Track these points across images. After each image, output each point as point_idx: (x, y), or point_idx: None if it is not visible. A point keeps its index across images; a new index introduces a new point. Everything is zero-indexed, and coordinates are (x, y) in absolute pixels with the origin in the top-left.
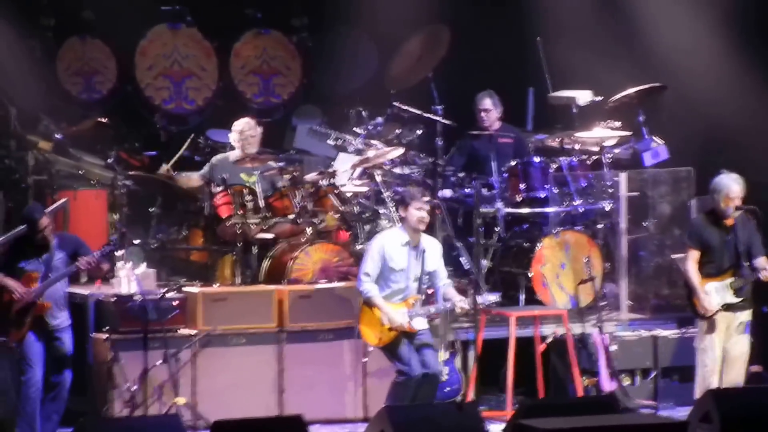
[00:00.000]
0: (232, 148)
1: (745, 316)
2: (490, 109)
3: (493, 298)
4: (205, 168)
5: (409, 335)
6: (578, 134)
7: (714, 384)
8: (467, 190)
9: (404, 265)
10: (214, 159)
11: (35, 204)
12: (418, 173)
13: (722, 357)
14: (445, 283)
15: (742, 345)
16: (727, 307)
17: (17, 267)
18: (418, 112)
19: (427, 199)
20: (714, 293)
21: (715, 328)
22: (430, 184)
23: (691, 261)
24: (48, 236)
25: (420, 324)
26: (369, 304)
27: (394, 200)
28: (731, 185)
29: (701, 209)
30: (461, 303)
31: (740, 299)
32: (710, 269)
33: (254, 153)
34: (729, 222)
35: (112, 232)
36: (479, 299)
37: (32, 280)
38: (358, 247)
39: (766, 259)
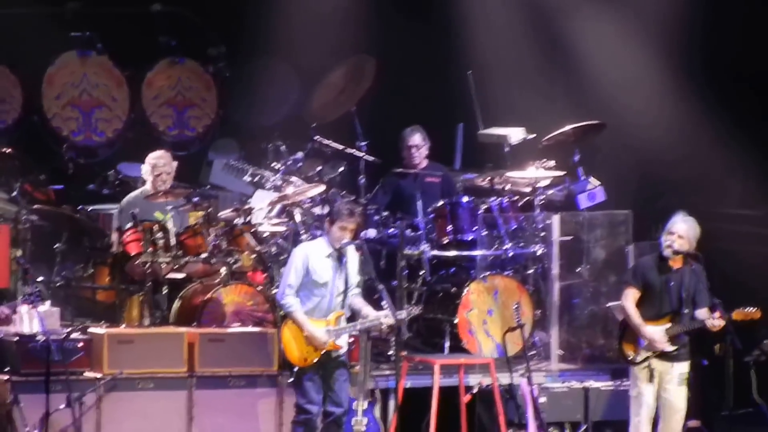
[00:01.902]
0: (143, 183)
1: (683, 367)
2: (419, 145)
3: (415, 311)
4: (115, 215)
5: (325, 362)
6: (509, 174)
7: None
8: (391, 231)
9: (328, 279)
10: (123, 202)
11: None
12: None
13: (658, 409)
14: (355, 292)
15: (678, 398)
16: (661, 355)
17: None
18: (341, 147)
19: (354, 219)
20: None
21: (646, 374)
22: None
23: (630, 299)
24: None
25: (343, 342)
26: (290, 318)
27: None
28: (677, 221)
29: (639, 255)
30: (385, 319)
31: (675, 347)
32: (647, 311)
33: (167, 188)
34: (675, 265)
35: (15, 269)
36: (401, 314)
37: None
38: (274, 291)
39: (709, 310)
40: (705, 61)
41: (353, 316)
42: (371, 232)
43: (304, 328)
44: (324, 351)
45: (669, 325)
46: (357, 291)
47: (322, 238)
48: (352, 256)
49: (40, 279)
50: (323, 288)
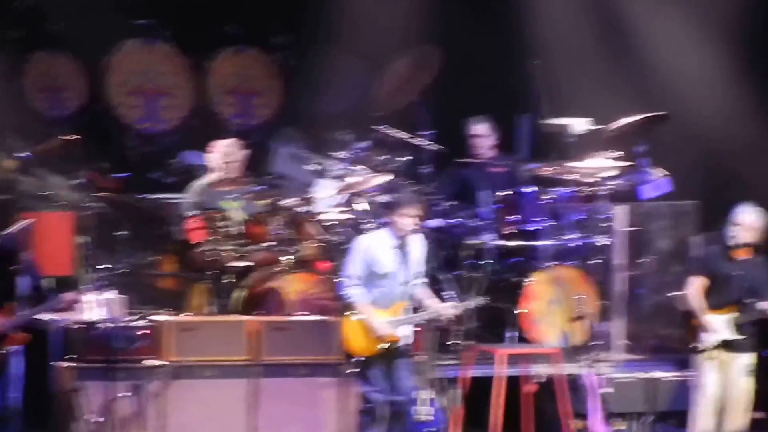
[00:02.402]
0: (207, 171)
1: (747, 358)
2: (485, 134)
3: (478, 302)
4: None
5: (389, 352)
6: (574, 164)
7: (709, 426)
8: (455, 221)
9: (390, 269)
10: (190, 189)
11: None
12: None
13: (722, 400)
14: (418, 283)
15: (743, 389)
16: (726, 344)
17: None
18: (405, 136)
19: (416, 206)
20: (714, 326)
21: (711, 364)
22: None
23: (694, 288)
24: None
25: (407, 333)
26: (353, 309)
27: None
28: (743, 212)
29: (704, 246)
30: (449, 310)
31: (740, 338)
32: (714, 301)
33: (236, 176)
34: (740, 256)
35: (79, 256)
36: (465, 305)
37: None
38: (338, 280)
39: None
40: None
41: (417, 307)
42: (436, 222)
43: (366, 318)
44: (388, 341)
45: (734, 314)
46: (421, 282)
47: (385, 229)
48: (416, 246)
49: (103, 266)
50: (386, 278)
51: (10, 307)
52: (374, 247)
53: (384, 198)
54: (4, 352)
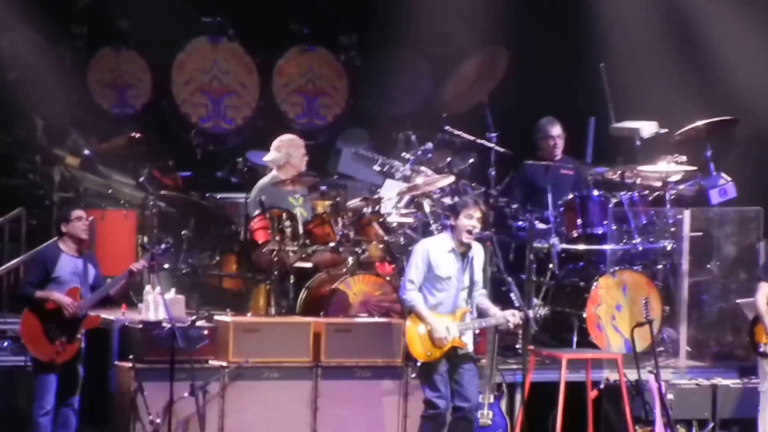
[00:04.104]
0: (271, 171)
1: None
2: (561, 135)
3: (541, 311)
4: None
5: (452, 357)
6: (641, 168)
7: None
8: (521, 223)
9: (451, 273)
10: (256, 188)
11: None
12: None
13: None
14: (481, 292)
15: None
16: None
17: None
18: (471, 138)
19: (479, 207)
20: None
21: None
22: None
23: (762, 293)
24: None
25: (468, 339)
26: (413, 313)
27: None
28: None
29: None
30: (512, 318)
31: None
32: None
33: (296, 175)
34: None
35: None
36: (528, 313)
37: (75, 293)
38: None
39: None
40: None
41: (480, 316)
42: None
43: (428, 321)
44: (449, 347)
45: None
46: (483, 291)
47: (446, 233)
48: (479, 253)
49: (166, 266)
50: (446, 283)
51: (76, 290)
52: (435, 251)
53: (448, 200)
54: (80, 336)
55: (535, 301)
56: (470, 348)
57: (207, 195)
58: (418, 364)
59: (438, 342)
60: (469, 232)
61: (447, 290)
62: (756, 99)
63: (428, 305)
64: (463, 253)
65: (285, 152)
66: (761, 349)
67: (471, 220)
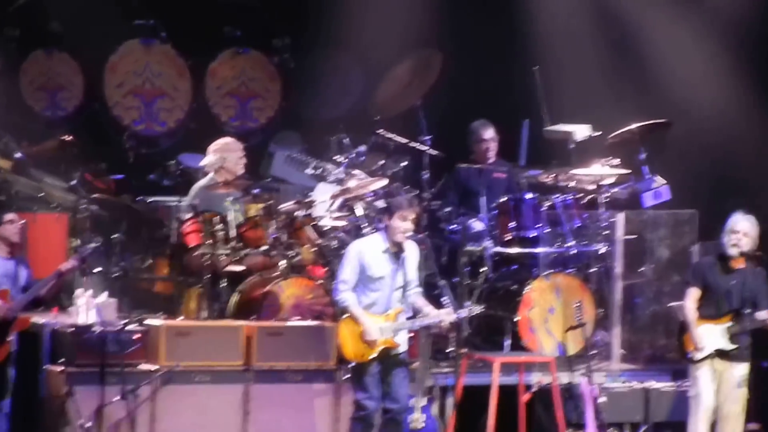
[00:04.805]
0: (204, 174)
1: (743, 368)
2: (494, 138)
3: (475, 309)
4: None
5: (384, 359)
6: (574, 171)
7: None
8: (454, 227)
9: (384, 274)
10: (195, 186)
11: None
12: None
13: (717, 411)
14: (415, 291)
15: (737, 399)
16: (721, 354)
17: None
18: (405, 141)
19: (413, 210)
20: (707, 336)
21: (706, 374)
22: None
23: (690, 299)
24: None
25: (402, 340)
26: (346, 314)
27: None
28: (739, 220)
29: (704, 255)
30: (446, 316)
31: (735, 347)
32: (708, 311)
33: (232, 178)
34: (736, 265)
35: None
36: (462, 312)
37: (5, 296)
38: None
39: None
40: None
41: (414, 315)
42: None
43: (360, 323)
44: (382, 348)
45: (729, 324)
46: (418, 290)
47: (379, 234)
48: (412, 253)
49: (98, 269)
50: (379, 283)
51: (6, 293)
52: (368, 252)
53: (381, 203)
54: (11, 339)
55: (468, 303)
56: (403, 350)
57: (139, 198)
58: (351, 365)
59: (371, 343)
60: (403, 233)
61: (380, 290)
62: (690, 101)
63: (362, 306)
64: (397, 254)
65: (220, 156)
66: (689, 355)
67: (405, 221)
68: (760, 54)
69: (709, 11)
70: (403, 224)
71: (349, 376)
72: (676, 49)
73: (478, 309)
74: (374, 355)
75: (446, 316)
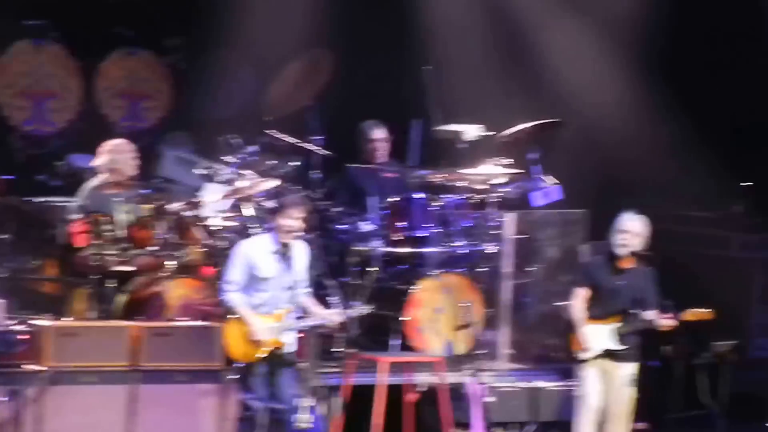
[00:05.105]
0: (94, 174)
1: (631, 368)
2: (384, 139)
3: (364, 309)
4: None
5: (272, 359)
6: (464, 171)
7: None
8: (343, 226)
9: (272, 274)
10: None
11: None
12: None
13: (605, 410)
14: (303, 291)
15: (625, 399)
16: (609, 354)
17: None
18: (295, 141)
19: (302, 209)
20: (595, 336)
21: (594, 374)
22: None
23: (578, 299)
24: None
25: (289, 341)
26: (233, 314)
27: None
28: (629, 220)
29: (593, 255)
30: (334, 317)
31: (623, 348)
32: (596, 311)
33: (122, 179)
34: (626, 265)
35: None
36: (350, 312)
37: None
38: None
39: (659, 311)
40: (666, 62)
41: (302, 315)
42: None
43: (247, 324)
44: (270, 348)
45: (617, 325)
46: (306, 290)
47: (267, 234)
48: (301, 252)
49: None
50: (267, 284)
51: None
52: (255, 252)
53: (271, 203)
54: None
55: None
56: (291, 350)
57: (27, 199)
58: (238, 365)
59: (258, 343)
60: (291, 232)
61: (268, 291)
62: (580, 101)
63: (250, 306)
64: (285, 254)
65: (110, 158)
66: (577, 355)
67: (293, 221)
68: (649, 54)
69: (600, 12)
70: (292, 224)
71: (235, 376)
72: (566, 49)
73: (366, 309)
74: (262, 355)
75: (334, 316)
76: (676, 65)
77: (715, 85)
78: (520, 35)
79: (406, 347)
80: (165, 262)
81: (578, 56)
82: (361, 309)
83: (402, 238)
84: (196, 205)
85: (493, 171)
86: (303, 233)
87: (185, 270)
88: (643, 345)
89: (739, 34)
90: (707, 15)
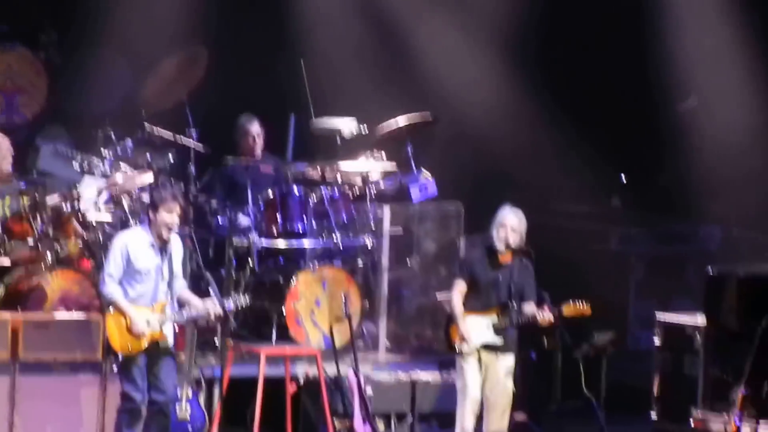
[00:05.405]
0: None
1: (509, 360)
2: (260, 133)
3: (242, 300)
4: None
5: (152, 351)
6: (341, 165)
7: (470, 427)
8: (220, 220)
9: (150, 266)
10: None
11: None
12: None
13: (484, 401)
14: (181, 285)
15: (503, 391)
16: (487, 346)
17: None
18: (171, 136)
19: (177, 202)
20: (474, 328)
21: (473, 366)
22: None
23: (457, 291)
24: None
25: (169, 331)
26: (113, 307)
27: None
28: (507, 214)
29: (470, 248)
30: (212, 307)
31: (501, 340)
32: (475, 304)
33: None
34: (504, 259)
35: None
36: (228, 303)
37: None
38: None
39: (537, 305)
40: (542, 57)
41: (180, 307)
42: (245, 221)
43: (127, 316)
44: (149, 339)
45: (496, 317)
46: (183, 283)
47: (142, 227)
48: (177, 246)
49: None
50: (145, 276)
51: None
52: (133, 244)
53: (148, 197)
54: None
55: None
56: (170, 342)
57: None
58: (119, 357)
59: (138, 335)
60: (167, 226)
61: (146, 283)
62: (456, 96)
63: (128, 298)
64: (162, 247)
65: None
66: (456, 347)
67: (170, 214)
68: (525, 49)
69: (475, 7)
70: (168, 218)
71: (116, 368)
72: (442, 44)
73: (244, 301)
74: (142, 347)
75: (212, 307)
76: (553, 61)
77: (593, 81)
78: (395, 30)
79: (285, 339)
80: (43, 255)
81: (454, 51)
82: (238, 301)
83: (279, 231)
84: (73, 199)
85: (370, 165)
86: (179, 227)
87: (63, 263)
88: (522, 337)
89: (614, 29)
90: (581, 11)
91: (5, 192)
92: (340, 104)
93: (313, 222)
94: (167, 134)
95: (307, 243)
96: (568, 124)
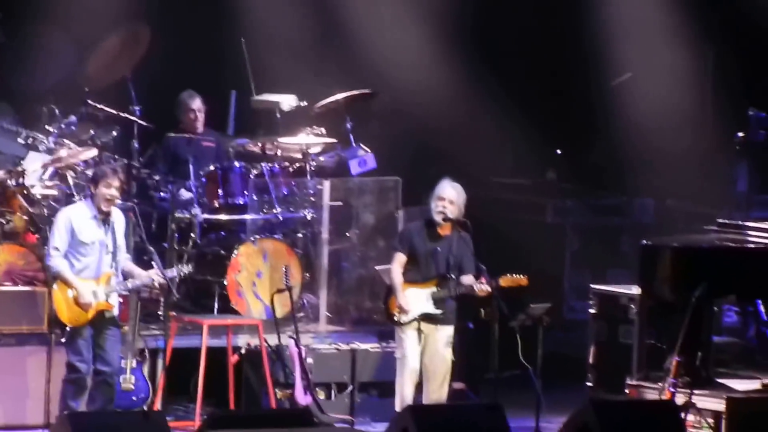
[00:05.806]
0: None
1: (448, 330)
2: (201, 109)
3: (185, 269)
4: None
5: (97, 322)
6: (281, 140)
7: (409, 396)
8: (163, 194)
9: (94, 239)
10: None
11: None
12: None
13: (423, 371)
14: (125, 257)
15: (443, 360)
16: (426, 317)
17: None
18: (114, 111)
19: (118, 177)
20: (413, 300)
21: (412, 336)
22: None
23: (396, 264)
24: None
25: (114, 302)
26: (59, 279)
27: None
28: (446, 187)
29: (408, 220)
30: (156, 276)
31: (440, 311)
32: (414, 275)
33: None
34: (443, 232)
35: None
36: (171, 272)
37: None
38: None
39: (475, 277)
40: (479, 32)
41: (124, 279)
42: (186, 194)
43: (73, 287)
44: (95, 310)
45: (434, 289)
46: (126, 255)
47: (85, 202)
48: (119, 219)
49: None
50: (90, 248)
51: None
52: (76, 218)
53: (90, 172)
54: None
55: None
56: (115, 313)
57: None
58: (64, 329)
59: (85, 306)
60: (109, 200)
61: (91, 255)
62: (393, 72)
63: (74, 271)
64: (104, 220)
65: None
66: (395, 318)
67: (110, 189)
68: (461, 27)
69: None
70: (109, 192)
71: (62, 339)
72: (379, 20)
73: (186, 269)
74: (88, 317)
75: (156, 276)
76: (489, 36)
77: (529, 56)
78: (334, 8)
79: (227, 310)
80: None
81: (392, 27)
82: (181, 269)
83: (221, 205)
84: (18, 174)
85: (309, 140)
86: (120, 200)
87: (8, 237)
88: (460, 308)
89: (549, 5)
90: None
91: None
92: (280, 81)
93: (254, 196)
94: (110, 110)
95: (248, 216)
96: (504, 99)
